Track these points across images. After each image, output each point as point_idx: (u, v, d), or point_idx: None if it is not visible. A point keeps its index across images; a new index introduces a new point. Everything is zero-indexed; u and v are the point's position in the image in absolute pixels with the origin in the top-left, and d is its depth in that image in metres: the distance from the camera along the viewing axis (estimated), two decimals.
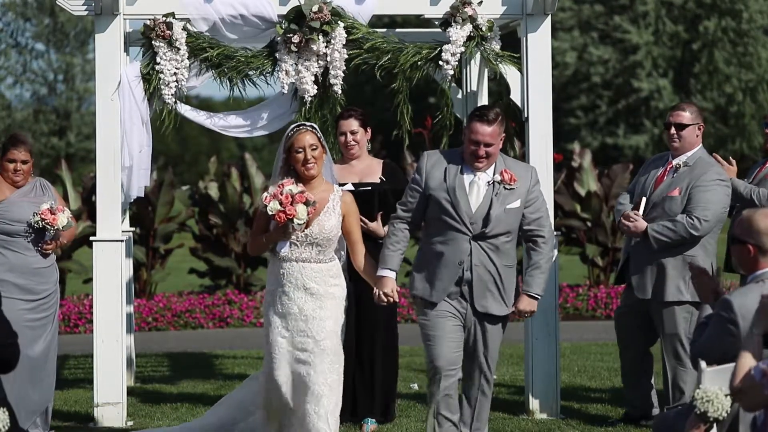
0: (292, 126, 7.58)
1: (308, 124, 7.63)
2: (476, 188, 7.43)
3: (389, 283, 7.48)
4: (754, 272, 6.25)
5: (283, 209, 7.26)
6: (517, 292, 7.64)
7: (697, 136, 9.00)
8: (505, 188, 7.42)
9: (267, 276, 7.66)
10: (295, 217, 7.26)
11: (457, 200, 7.38)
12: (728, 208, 8.95)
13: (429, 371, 7.53)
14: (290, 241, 7.39)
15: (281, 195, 7.29)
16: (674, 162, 8.96)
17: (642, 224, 8.81)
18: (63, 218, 8.70)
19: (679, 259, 8.79)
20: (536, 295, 7.56)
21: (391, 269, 7.50)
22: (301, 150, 7.43)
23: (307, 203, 7.29)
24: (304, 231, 7.38)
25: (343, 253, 7.74)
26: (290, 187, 7.34)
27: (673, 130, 8.97)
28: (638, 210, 8.87)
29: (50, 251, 8.79)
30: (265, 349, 7.60)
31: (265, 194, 7.36)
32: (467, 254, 7.40)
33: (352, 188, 8.97)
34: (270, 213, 7.30)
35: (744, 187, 8.93)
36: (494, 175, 7.45)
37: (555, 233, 9.46)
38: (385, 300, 7.47)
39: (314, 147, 7.46)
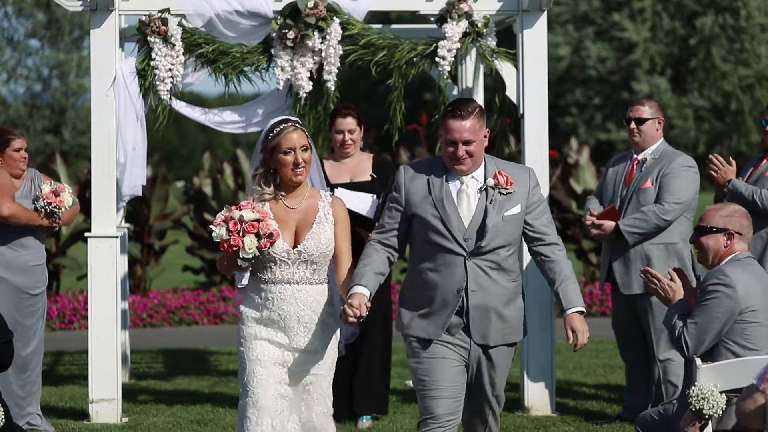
0: (276, 121, 6.36)
1: (293, 119, 6.39)
2: (466, 198, 6.29)
3: (358, 297, 6.16)
4: (726, 258, 6.48)
5: (228, 238, 6.14)
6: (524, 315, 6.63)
7: (657, 130, 9.08)
8: (501, 193, 6.29)
9: (239, 297, 6.47)
10: (240, 249, 6.12)
11: (447, 214, 6.24)
12: (698, 193, 9.02)
13: (421, 424, 6.35)
14: (280, 259, 6.28)
15: (231, 220, 6.16)
16: (639, 157, 9.04)
17: (609, 224, 8.86)
18: (68, 197, 8.78)
19: (662, 248, 8.86)
20: (583, 310, 6.60)
21: (361, 285, 6.21)
22: (290, 151, 6.24)
23: (258, 236, 6.13)
24: (296, 249, 6.29)
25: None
26: (244, 212, 6.16)
27: (632, 125, 9.06)
28: (615, 215, 8.92)
29: (59, 225, 8.88)
30: (241, 378, 6.35)
31: (219, 214, 6.23)
32: (464, 278, 6.26)
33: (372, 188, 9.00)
34: (215, 240, 6.20)
35: (745, 189, 8.93)
36: (486, 179, 6.31)
37: None
38: (350, 313, 6.07)
39: (305, 148, 6.28)
